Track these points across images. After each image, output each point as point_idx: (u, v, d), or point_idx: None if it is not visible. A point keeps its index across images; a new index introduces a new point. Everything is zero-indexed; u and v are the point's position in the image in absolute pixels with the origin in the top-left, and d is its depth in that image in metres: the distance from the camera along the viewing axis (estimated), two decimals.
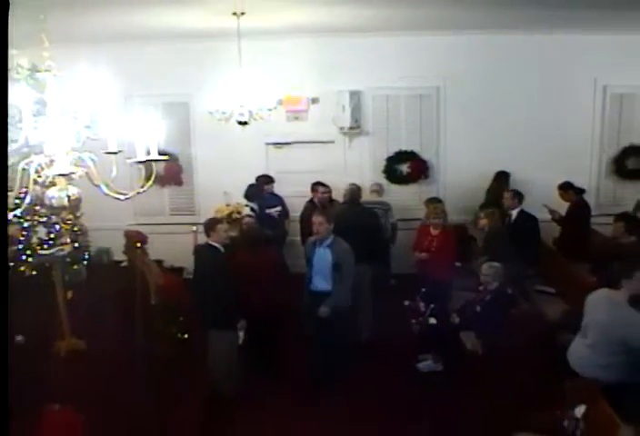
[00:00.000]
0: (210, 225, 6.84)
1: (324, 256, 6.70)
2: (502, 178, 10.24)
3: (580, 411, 4.88)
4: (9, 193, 3.54)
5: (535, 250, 8.80)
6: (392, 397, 6.78)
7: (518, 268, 7.95)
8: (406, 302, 8.14)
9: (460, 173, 10.64)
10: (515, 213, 9.01)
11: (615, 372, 5.04)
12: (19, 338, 7.85)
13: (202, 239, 7.58)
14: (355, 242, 7.56)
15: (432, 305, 7.60)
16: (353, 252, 6.71)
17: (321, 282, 6.83)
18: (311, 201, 9.71)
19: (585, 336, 5.29)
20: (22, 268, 9.86)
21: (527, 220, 8.91)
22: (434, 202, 9.30)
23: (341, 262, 6.57)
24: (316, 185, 9.67)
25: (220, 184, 10.33)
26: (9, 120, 3.81)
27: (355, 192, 8.61)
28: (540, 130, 10.44)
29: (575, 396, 5.07)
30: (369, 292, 8.33)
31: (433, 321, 7.48)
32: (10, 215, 3.68)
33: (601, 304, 5.27)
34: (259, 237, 7.60)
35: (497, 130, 10.55)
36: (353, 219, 8.21)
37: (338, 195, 9.72)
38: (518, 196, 9.04)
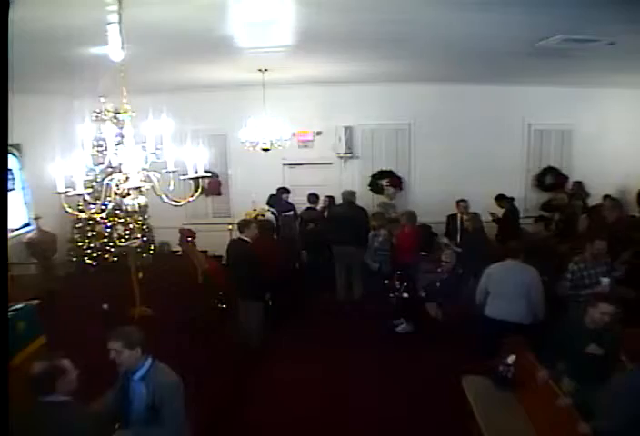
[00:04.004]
0: (244, 224, 6.83)
1: (138, 391, 3.37)
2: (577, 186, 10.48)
3: (511, 359, 4.91)
4: (97, 202, 3.60)
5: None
6: (377, 348, 6.93)
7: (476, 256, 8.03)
8: (386, 281, 8.14)
9: (426, 186, 10.67)
10: (463, 216, 8.97)
11: (522, 315, 5.52)
12: (105, 306, 7.88)
13: (235, 235, 7.60)
14: (349, 231, 8.13)
15: (405, 283, 7.58)
16: (179, 385, 3.44)
17: (140, 431, 3.39)
18: (308, 208, 9.62)
19: (502, 294, 5.64)
20: (107, 256, 9.98)
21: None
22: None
23: (159, 402, 3.28)
24: (312, 196, 9.63)
25: (249, 194, 10.32)
26: (99, 149, 3.88)
27: (347, 194, 8.74)
28: (483, 155, 10.46)
29: (508, 348, 5.11)
30: (360, 269, 8.53)
31: (405, 295, 7.45)
32: (97, 217, 3.75)
33: (516, 270, 5.70)
34: (269, 229, 7.75)
35: (453, 155, 10.56)
36: (348, 213, 8.47)
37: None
38: (464, 203, 9.02)
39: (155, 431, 3.35)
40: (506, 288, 5.62)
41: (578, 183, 10.53)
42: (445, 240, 9.02)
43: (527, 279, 5.58)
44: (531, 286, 5.53)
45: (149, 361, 3.45)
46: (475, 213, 8.70)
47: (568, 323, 4.73)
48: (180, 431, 3.49)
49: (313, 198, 9.56)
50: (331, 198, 10.02)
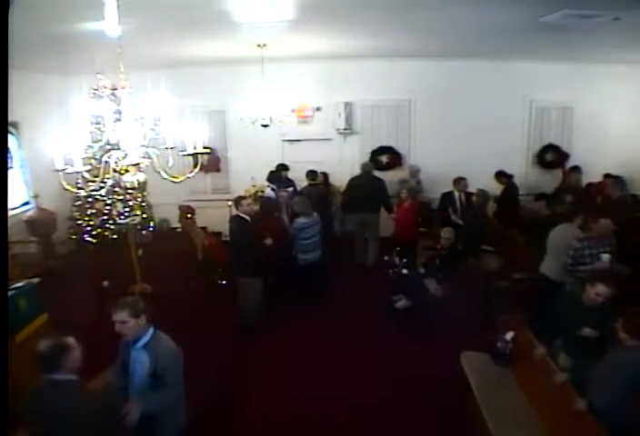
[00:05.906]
0: (237, 201, 6.85)
1: (140, 360, 3.44)
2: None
3: (510, 335, 4.96)
4: (96, 179, 3.58)
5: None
6: (376, 323, 7.02)
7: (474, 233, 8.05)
8: (385, 257, 8.17)
9: (425, 162, 10.56)
10: (462, 194, 9.02)
11: (561, 273, 5.90)
12: (105, 283, 7.93)
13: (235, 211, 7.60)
14: (369, 199, 8.74)
15: (404, 259, 7.60)
16: (180, 353, 3.53)
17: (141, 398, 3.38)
18: (310, 185, 9.55)
19: (548, 253, 6.26)
20: (106, 233, 9.99)
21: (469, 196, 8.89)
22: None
23: (161, 370, 3.37)
24: (311, 172, 9.56)
25: (248, 171, 10.26)
26: (97, 126, 3.84)
27: (366, 165, 9.25)
28: (484, 132, 10.39)
29: (507, 325, 5.15)
30: (377, 235, 9.05)
31: (405, 271, 7.49)
32: (96, 195, 3.72)
33: (561, 231, 6.19)
34: (271, 206, 7.74)
35: (452, 132, 10.48)
36: (366, 183, 8.92)
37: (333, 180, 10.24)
38: (464, 181, 9.05)
39: (155, 397, 3.40)
40: (550, 247, 6.23)
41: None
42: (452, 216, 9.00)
43: (564, 238, 5.96)
44: (566, 245, 5.84)
45: (151, 329, 3.51)
46: (483, 190, 8.68)
47: (565, 299, 4.76)
48: (178, 398, 3.58)
49: (312, 175, 9.53)
50: (325, 175, 10.07)
